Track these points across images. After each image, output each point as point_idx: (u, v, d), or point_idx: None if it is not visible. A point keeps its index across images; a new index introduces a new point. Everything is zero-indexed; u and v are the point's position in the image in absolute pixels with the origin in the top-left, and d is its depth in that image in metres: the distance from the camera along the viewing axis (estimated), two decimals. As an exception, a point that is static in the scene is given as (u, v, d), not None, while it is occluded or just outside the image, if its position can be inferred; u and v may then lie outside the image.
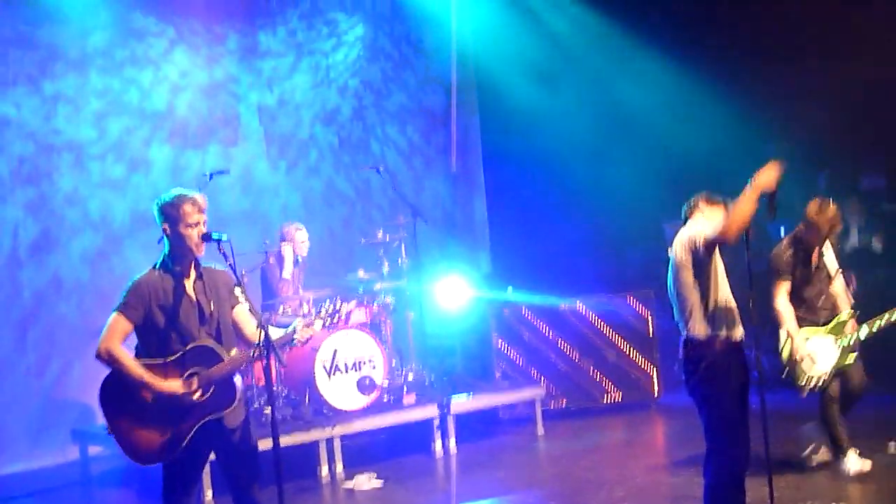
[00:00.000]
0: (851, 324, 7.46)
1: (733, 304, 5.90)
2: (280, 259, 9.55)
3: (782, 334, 7.42)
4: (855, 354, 7.47)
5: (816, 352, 7.36)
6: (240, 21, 11.44)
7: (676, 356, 6.64)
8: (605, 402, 10.52)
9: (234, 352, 5.43)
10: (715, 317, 5.80)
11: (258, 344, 5.19)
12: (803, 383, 7.39)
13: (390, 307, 9.91)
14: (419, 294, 10.19)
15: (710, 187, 6.23)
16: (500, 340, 10.53)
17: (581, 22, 12.12)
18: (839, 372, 7.43)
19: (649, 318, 10.53)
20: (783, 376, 7.44)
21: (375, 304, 9.72)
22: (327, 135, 12.08)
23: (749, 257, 6.63)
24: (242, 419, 5.49)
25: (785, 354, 7.40)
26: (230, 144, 11.27)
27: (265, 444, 6.80)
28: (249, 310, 5.41)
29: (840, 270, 7.59)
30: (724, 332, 5.78)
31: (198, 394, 5.27)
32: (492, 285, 11.19)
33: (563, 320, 10.64)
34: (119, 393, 5.26)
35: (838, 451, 7.52)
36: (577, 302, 10.64)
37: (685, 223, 6.05)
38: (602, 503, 7.46)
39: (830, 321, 7.50)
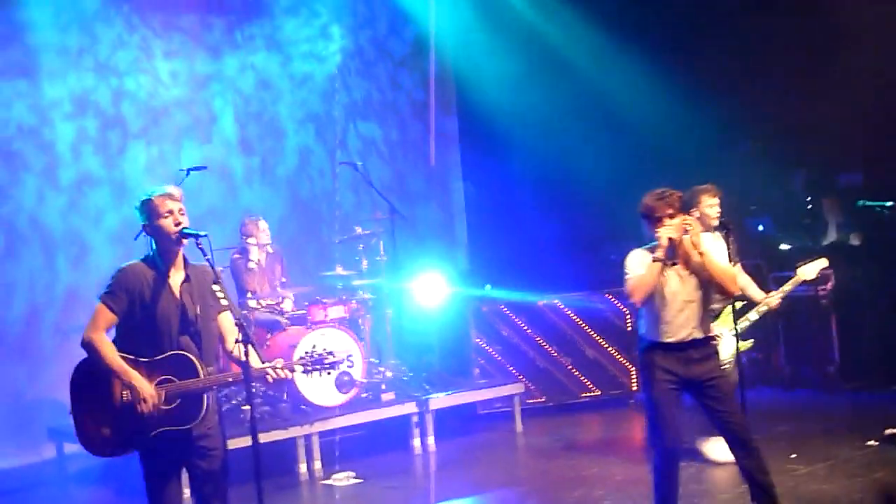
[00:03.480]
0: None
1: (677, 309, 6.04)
2: (245, 253, 9.51)
3: None
4: (751, 340, 7.78)
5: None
6: (218, 16, 11.35)
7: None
8: (583, 398, 10.54)
9: (211, 369, 5.28)
10: (650, 321, 6.08)
11: (237, 340, 5.09)
12: None
13: (369, 304, 9.87)
14: (397, 291, 10.17)
15: (688, 185, 6.22)
16: (478, 337, 10.51)
17: (559, 17, 12.10)
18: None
19: (627, 314, 10.50)
20: None
21: (354, 301, 9.68)
22: (304, 131, 12.02)
23: (731, 253, 6.66)
24: (209, 427, 5.30)
25: None
26: (206, 142, 11.20)
27: (243, 442, 6.78)
28: (229, 306, 5.32)
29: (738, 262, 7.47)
30: (652, 336, 6.05)
31: (162, 403, 5.12)
32: (470, 282, 11.17)
33: (542, 317, 10.64)
34: (89, 381, 5.18)
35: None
36: (556, 299, 10.64)
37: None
38: (581, 500, 7.45)
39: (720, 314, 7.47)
